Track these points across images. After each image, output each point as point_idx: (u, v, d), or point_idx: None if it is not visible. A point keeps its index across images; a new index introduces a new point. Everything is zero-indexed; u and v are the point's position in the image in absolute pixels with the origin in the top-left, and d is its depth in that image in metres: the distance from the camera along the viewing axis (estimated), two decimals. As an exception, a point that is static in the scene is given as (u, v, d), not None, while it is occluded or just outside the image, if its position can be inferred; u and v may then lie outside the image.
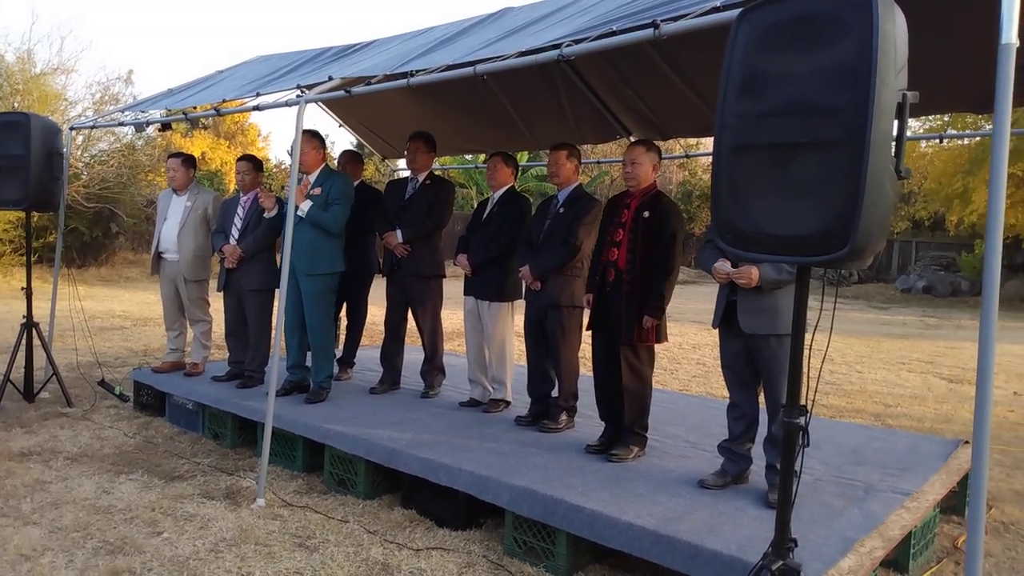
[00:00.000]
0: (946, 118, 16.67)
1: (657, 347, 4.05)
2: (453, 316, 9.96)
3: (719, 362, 3.76)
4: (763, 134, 2.18)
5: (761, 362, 3.49)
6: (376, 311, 6.15)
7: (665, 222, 3.87)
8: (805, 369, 2.41)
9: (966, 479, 3.97)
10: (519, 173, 5.22)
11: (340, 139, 40.97)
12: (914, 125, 17.27)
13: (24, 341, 5.76)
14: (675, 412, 5.03)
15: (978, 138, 15.27)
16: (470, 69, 3.58)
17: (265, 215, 5.12)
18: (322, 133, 5.11)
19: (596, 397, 4.21)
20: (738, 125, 2.24)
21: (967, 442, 4.36)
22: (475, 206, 6.46)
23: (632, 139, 5.85)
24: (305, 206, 4.84)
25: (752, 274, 3.35)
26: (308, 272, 4.90)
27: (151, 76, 45.49)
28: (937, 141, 18.16)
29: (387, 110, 6.58)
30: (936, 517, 3.69)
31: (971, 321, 13.90)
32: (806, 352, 2.39)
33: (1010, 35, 2.09)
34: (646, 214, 3.89)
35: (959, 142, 17.78)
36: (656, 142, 4.21)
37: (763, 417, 3.63)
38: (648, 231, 3.88)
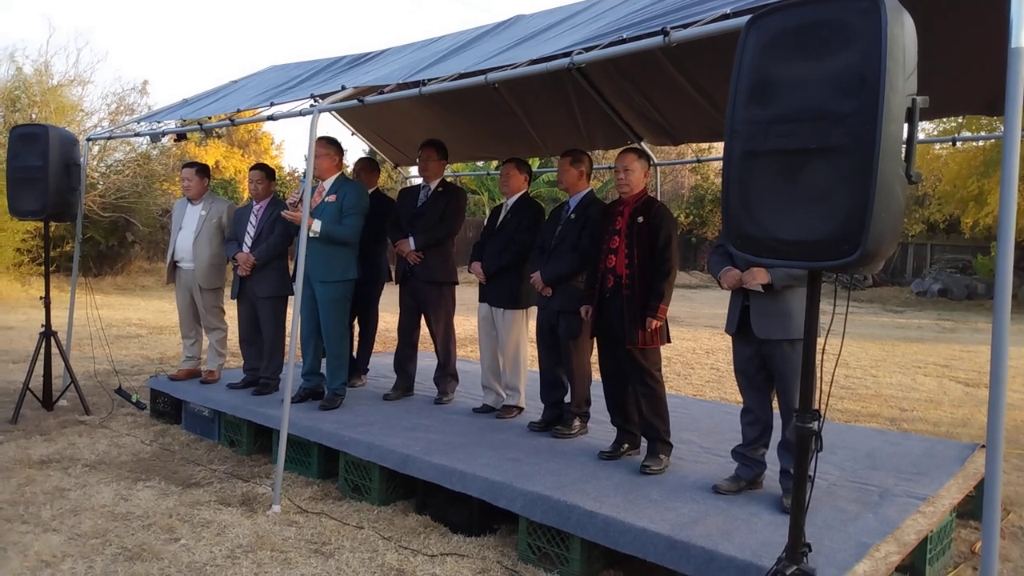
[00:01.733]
0: (960, 120, 16.57)
1: (671, 352, 4.07)
2: (466, 322, 9.99)
3: (732, 367, 3.77)
4: (773, 140, 2.18)
5: (774, 367, 3.49)
6: (389, 318, 6.19)
7: (660, 225, 3.91)
8: (818, 373, 2.41)
9: (983, 483, 3.94)
10: (532, 179, 5.24)
11: (353, 147, 41.27)
12: (927, 127, 17.17)
13: (43, 350, 5.83)
14: (689, 417, 5.02)
15: (992, 140, 15.15)
16: (481, 78, 3.60)
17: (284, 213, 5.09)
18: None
19: (606, 402, 4.22)
20: (748, 131, 2.25)
21: (983, 446, 4.33)
22: (487, 212, 6.48)
23: (644, 144, 5.87)
24: (316, 226, 4.76)
25: (759, 274, 3.37)
26: (322, 279, 4.93)
27: (166, 86, 45.99)
28: (951, 144, 18.04)
29: (399, 118, 6.62)
30: (952, 522, 3.67)
31: (987, 324, 13.78)
32: (820, 356, 2.39)
33: (1019, 39, 2.09)
34: (640, 219, 3.94)
35: (973, 144, 17.65)
36: (668, 146, 4.24)
37: (777, 422, 3.63)
38: (643, 235, 3.92)
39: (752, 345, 3.54)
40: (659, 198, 4.27)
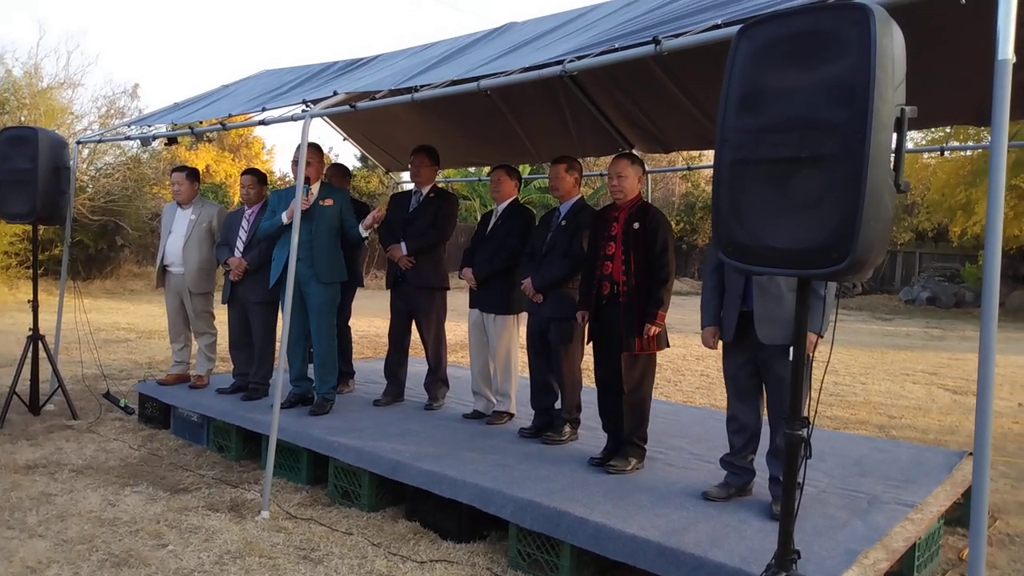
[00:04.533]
0: (948, 129, 16.69)
1: (661, 358, 4.07)
2: (457, 328, 9.97)
3: (723, 374, 3.77)
4: (763, 149, 2.20)
5: (772, 373, 3.48)
6: (380, 323, 6.17)
7: (656, 231, 3.92)
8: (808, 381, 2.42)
9: (970, 491, 3.97)
10: (522, 185, 5.25)
11: (344, 152, 41.20)
12: (916, 136, 17.30)
13: (30, 353, 5.78)
14: (679, 424, 5.03)
15: (980, 150, 15.28)
16: (474, 84, 3.61)
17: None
18: (326, 146, 5.15)
19: (599, 409, 4.22)
20: (738, 140, 2.26)
21: (971, 453, 4.35)
22: (478, 218, 6.48)
23: (635, 152, 5.89)
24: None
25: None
26: (326, 280, 4.98)
27: (157, 90, 45.83)
28: (939, 153, 18.16)
29: (392, 124, 6.62)
30: (940, 529, 3.68)
31: (975, 332, 13.85)
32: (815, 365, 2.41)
33: (1006, 51, 2.11)
34: (635, 225, 3.95)
35: (961, 153, 17.79)
36: (659, 154, 4.25)
37: (765, 429, 3.64)
38: (640, 241, 3.93)
39: (747, 352, 3.54)
40: (650, 205, 4.29)
